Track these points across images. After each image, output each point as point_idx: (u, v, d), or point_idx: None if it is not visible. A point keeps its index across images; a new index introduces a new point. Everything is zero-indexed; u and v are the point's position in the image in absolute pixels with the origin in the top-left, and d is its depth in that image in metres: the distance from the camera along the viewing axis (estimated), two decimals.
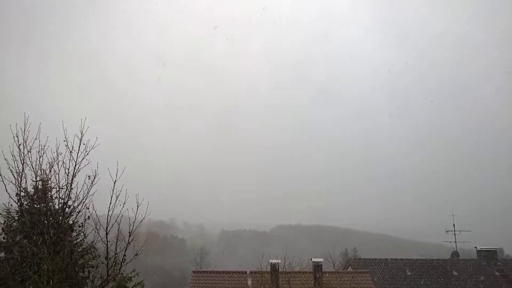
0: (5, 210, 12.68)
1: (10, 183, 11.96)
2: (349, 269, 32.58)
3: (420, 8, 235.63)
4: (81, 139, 12.17)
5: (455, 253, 35.37)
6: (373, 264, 32.59)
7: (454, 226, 36.15)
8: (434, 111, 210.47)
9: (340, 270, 31.93)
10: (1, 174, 11.62)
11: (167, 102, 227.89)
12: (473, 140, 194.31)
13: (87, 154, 12.30)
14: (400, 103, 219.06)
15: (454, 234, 35.83)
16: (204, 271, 37.35)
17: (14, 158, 11.86)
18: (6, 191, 11.89)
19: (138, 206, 12.01)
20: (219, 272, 30.88)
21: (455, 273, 31.69)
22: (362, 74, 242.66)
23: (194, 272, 32.53)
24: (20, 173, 12.01)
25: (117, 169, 12.12)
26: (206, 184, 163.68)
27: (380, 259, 33.59)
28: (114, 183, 12.05)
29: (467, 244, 36.14)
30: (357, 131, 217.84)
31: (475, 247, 33.86)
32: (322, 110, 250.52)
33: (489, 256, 32.56)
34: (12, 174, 11.90)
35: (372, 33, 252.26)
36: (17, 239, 12.31)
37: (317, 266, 27.41)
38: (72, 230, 12.84)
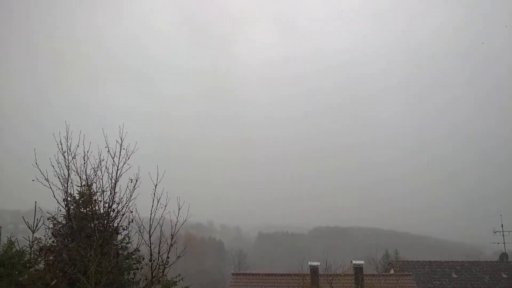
0: (56, 215, 13.14)
1: (58, 189, 12.41)
2: (392, 271, 31.81)
3: None
4: (121, 144, 12.43)
5: (504, 255, 33.88)
6: (416, 266, 31.67)
7: (502, 226, 34.72)
8: (484, 110, 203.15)
9: (382, 273, 31.24)
10: (49, 180, 12.05)
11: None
12: None
13: (128, 158, 12.56)
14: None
15: (503, 235, 34.46)
16: (243, 273, 37.28)
17: (59, 165, 12.28)
18: (54, 197, 12.32)
19: (179, 209, 12.16)
20: (259, 274, 30.74)
21: (505, 276, 30.38)
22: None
23: (233, 274, 32.53)
24: (66, 179, 12.43)
25: (157, 172, 12.33)
26: (238, 183, 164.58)
27: (424, 261, 32.62)
28: (155, 187, 12.24)
29: None
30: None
31: None
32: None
33: None
34: (60, 180, 12.34)
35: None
36: (66, 242, 12.74)
37: (358, 269, 26.92)
38: (118, 233, 13.18)
